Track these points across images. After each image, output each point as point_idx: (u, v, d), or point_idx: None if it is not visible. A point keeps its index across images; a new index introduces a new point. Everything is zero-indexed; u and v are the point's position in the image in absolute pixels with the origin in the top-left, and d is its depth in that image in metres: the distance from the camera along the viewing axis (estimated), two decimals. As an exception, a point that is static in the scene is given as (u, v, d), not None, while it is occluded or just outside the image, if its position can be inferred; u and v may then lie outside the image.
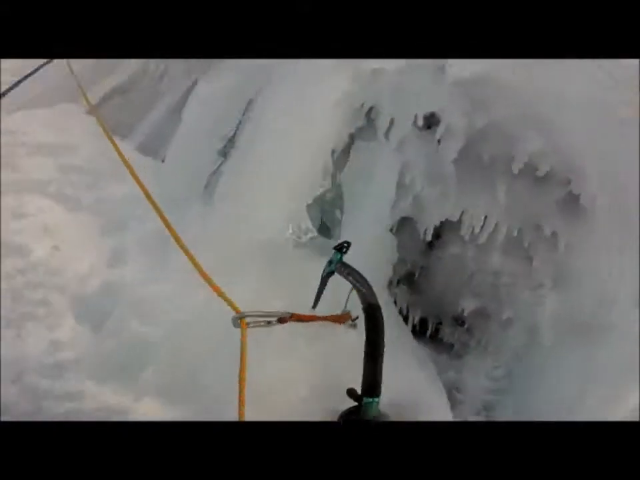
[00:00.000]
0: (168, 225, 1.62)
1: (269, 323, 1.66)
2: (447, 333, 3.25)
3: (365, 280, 1.59)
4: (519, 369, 3.05)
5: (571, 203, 2.47)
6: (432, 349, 3.22)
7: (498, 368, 3.20)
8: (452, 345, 3.25)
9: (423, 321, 3.22)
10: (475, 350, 3.19)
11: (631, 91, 1.99)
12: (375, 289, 1.99)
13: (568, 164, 2.31)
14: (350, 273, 1.65)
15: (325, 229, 2.73)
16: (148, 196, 1.70)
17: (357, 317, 2.13)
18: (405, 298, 3.15)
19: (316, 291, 2.04)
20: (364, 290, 1.57)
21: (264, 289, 1.81)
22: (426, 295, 3.15)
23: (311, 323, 1.84)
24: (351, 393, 1.40)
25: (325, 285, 1.91)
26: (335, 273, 1.84)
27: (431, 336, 3.26)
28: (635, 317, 2.35)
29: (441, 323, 3.23)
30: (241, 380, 1.40)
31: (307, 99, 1.92)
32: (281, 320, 1.70)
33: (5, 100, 2.91)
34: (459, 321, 3.17)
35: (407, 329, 3.07)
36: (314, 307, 1.98)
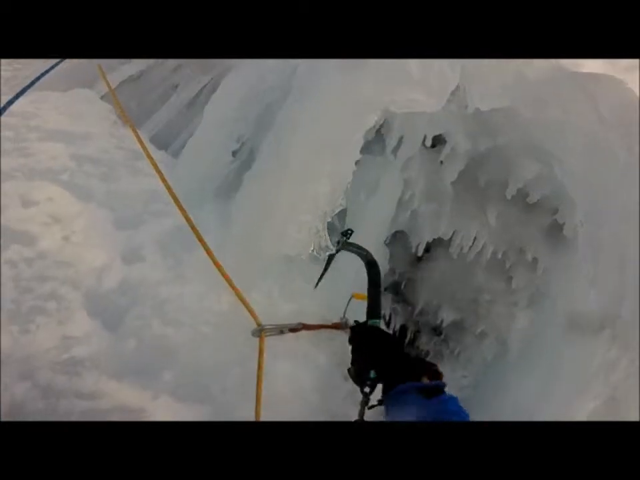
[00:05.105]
0: (192, 225, 1.58)
1: (281, 332, 1.72)
2: (423, 341, 3.41)
3: (363, 247, 2.04)
4: (485, 380, 3.25)
5: (555, 232, 2.65)
6: (409, 356, 3.38)
7: (466, 377, 3.41)
8: (427, 353, 3.42)
9: (403, 329, 3.36)
10: (448, 359, 3.38)
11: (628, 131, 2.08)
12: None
13: (559, 193, 2.44)
14: (353, 246, 2.08)
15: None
16: (172, 194, 1.64)
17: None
18: (389, 305, 3.27)
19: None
20: (363, 252, 2.01)
21: (276, 295, 1.84)
22: (409, 305, 3.29)
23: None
24: (357, 322, 1.80)
25: (331, 261, 2.20)
26: (341, 251, 2.16)
27: (408, 343, 3.41)
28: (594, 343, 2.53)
29: (419, 332, 3.38)
30: (259, 379, 1.47)
31: (329, 108, 1.89)
32: (293, 330, 1.77)
33: (15, 82, 2.66)
34: (437, 330, 3.34)
35: (388, 335, 3.20)
36: (319, 280, 2.15)
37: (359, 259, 2.32)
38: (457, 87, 2.22)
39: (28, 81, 2.63)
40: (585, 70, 2.06)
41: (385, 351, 1.51)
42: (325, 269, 2.18)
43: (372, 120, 1.76)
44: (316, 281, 2.10)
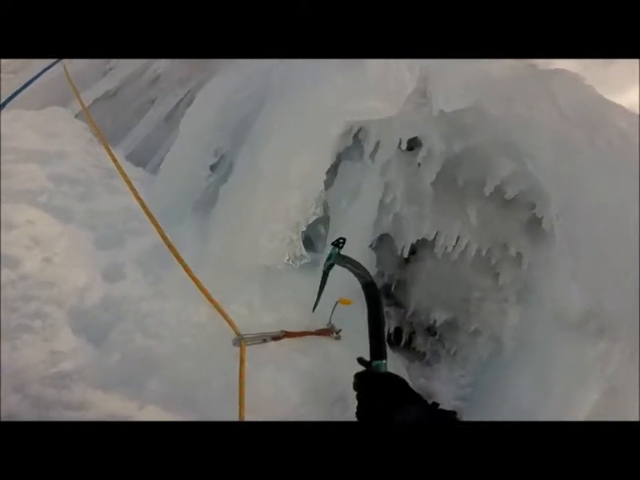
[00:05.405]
0: (169, 244, 1.64)
1: (264, 340, 1.76)
2: (419, 342, 3.43)
3: (360, 264, 1.67)
4: (483, 379, 3.25)
5: (535, 226, 2.68)
6: (405, 357, 3.40)
7: (464, 376, 3.42)
8: (424, 354, 3.44)
9: (398, 331, 3.38)
10: (445, 359, 3.39)
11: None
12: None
13: (534, 189, 2.49)
14: (347, 261, 1.69)
15: (308, 243, 2.82)
16: (148, 212, 1.70)
17: (340, 330, 2.28)
18: (381, 309, 3.30)
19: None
20: (360, 272, 1.65)
21: (257, 306, 1.89)
22: (401, 307, 3.32)
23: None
24: (361, 360, 1.48)
25: (327, 278, 1.88)
26: (335, 265, 1.77)
27: (404, 345, 3.43)
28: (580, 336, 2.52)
29: (414, 333, 3.40)
30: (241, 388, 1.51)
31: (304, 117, 1.92)
32: (275, 338, 1.81)
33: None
34: (431, 331, 3.36)
35: (383, 339, 3.22)
36: (317, 301, 1.93)
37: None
38: (426, 90, 2.28)
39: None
40: (547, 67, 2.12)
41: (395, 399, 1.30)
42: (321, 289, 1.96)
43: (341, 127, 1.81)
44: (298, 289, 2.13)
